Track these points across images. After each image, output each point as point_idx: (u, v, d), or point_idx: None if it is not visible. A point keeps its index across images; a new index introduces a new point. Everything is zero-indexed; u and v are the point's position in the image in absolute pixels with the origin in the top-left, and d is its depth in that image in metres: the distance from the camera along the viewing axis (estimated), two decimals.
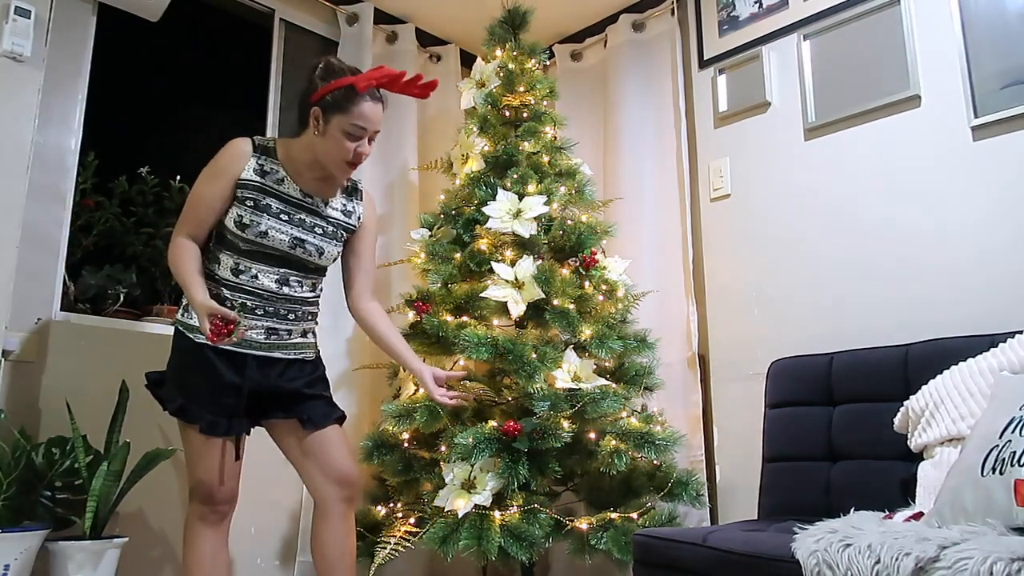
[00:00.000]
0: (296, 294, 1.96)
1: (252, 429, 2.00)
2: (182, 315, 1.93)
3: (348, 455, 2.00)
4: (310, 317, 2.03)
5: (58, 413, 2.19)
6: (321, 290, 2.06)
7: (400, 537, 2.23)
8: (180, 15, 2.66)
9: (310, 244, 1.94)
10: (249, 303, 1.90)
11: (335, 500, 1.93)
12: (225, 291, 1.89)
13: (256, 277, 1.90)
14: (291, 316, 1.96)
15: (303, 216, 1.94)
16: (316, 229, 1.96)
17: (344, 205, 2.02)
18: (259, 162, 1.90)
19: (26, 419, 2.18)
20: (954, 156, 2.29)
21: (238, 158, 1.89)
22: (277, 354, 1.95)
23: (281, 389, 1.94)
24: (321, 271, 2.03)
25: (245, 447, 1.96)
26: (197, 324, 1.86)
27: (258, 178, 1.90)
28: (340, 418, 2.01)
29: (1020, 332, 1.89)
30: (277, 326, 1.94)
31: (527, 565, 2.28)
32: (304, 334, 2.01)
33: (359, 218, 2.05)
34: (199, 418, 1.86)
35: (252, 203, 1.88)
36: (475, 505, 2.16)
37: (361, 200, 2.07)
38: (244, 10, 3.00)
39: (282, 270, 1.93)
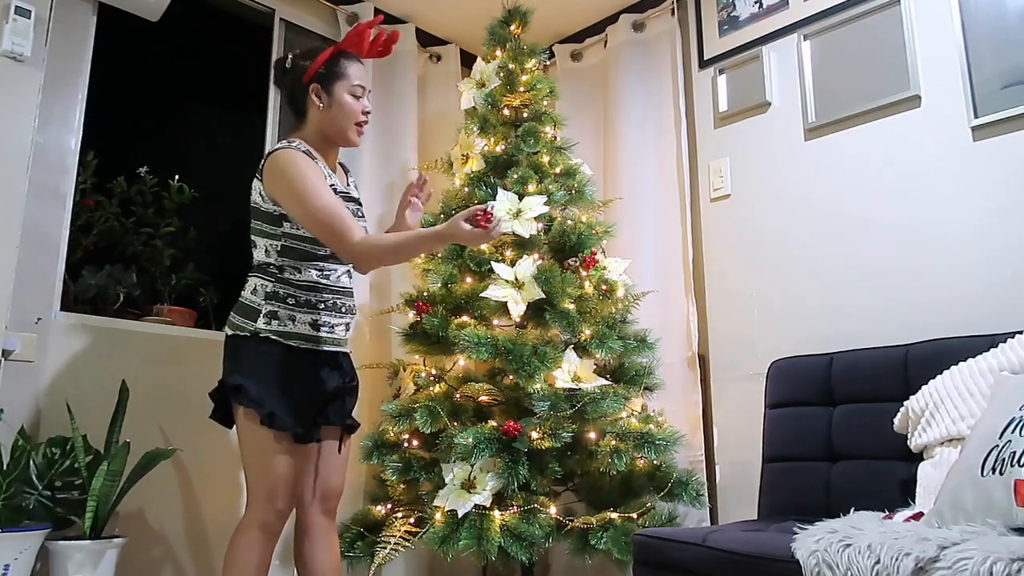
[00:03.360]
0: (352, 285, 2.00)
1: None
2: (268, 323, 1.82)
3: (342, 471, 2.01)
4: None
5: (58, 413, 2.19)
6: None
7: (400, 537, 2.23)
8: (180, 15, 2.65)
9: (367, 228, 1.98)
10: (338, 302, 1.92)
11: (317, 512, 1.95)
12: (325, 294, 1.89)
13: (340, 277, 1.93)
14: (354, 309, 2.00)
15: (353, 206, 1.97)
16: (358, 212, 1.99)
17: (353, 181, 2.09)
18: (319, 164, 1.88)
19: (26, 419, 2.18)
20: (954, 156, 2.29)
21: (310, 161, 1.83)
22: (344, 348, 1.99)
23: (345, 388, 1.97)
24: None
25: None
26: (291, 330, 1.83)
27: (331, 181, 1.89)
28: (351, 428, 2.02)
29: (1020, 332, 1.90)
30: (349, 320, 1.98)
31: (527, 565, 2.28)
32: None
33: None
34: (289, 427, 1.79)
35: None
36: (475, 505, 2.16)
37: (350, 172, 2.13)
38: (244, 10, 2.99)
39: (344, 264, 1.95)
